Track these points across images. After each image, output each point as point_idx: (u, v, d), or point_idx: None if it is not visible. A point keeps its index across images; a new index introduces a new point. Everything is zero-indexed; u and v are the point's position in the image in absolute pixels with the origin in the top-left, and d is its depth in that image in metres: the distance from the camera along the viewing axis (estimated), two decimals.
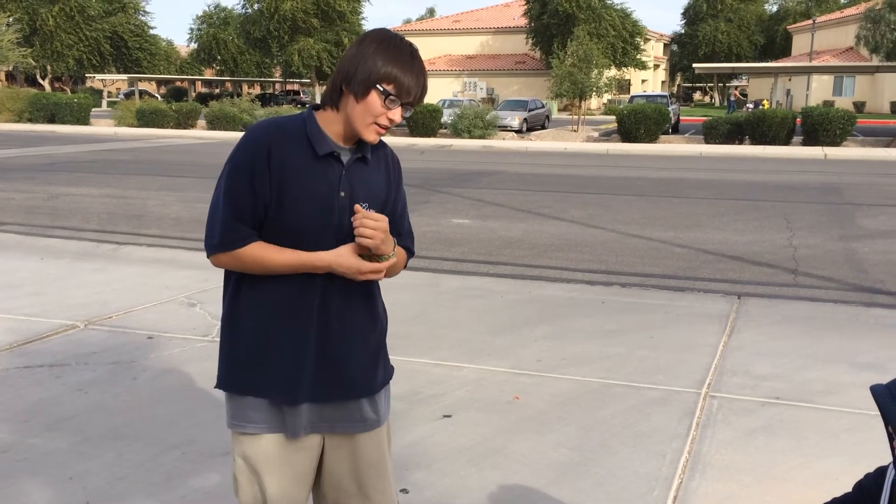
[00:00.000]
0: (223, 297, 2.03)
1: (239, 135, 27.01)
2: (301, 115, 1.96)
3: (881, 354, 4.98)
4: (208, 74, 68.65)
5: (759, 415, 4.08)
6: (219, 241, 1.91)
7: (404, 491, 3.30)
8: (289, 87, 65.56)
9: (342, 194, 1.92)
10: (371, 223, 1.88)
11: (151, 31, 63.36)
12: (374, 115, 1.86)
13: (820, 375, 4.63)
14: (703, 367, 4.78)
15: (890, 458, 1.94)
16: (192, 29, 61.73)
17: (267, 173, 1.86)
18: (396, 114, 1.88)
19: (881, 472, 2.07)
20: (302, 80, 57.78)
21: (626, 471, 3.48)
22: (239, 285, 1.97)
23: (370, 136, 1.90)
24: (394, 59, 1.84)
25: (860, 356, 4.97)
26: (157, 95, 60.46)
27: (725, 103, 39.96)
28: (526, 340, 5.31)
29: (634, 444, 3.74)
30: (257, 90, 66.40)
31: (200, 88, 68.46)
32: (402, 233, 2.14)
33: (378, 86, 1.83)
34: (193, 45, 62.96)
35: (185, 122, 31.86)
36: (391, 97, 1.85)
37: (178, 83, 64.43)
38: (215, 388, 2.05)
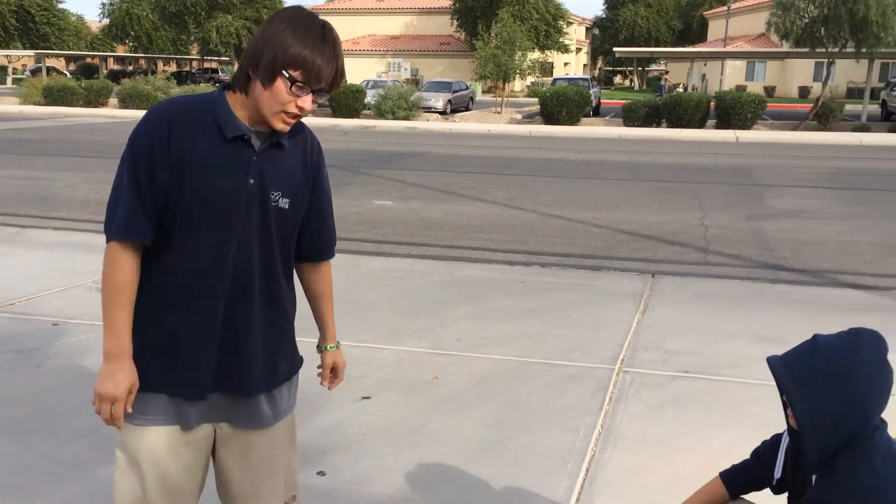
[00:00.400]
0: None
1: None
2: (211, 94, 1.82)
3: (783, 328, 5.21)
4: (121, 51, 66.02)
5: (668, 388, 4.22)
6: (118, 227, 1.76)
7: (321, 473, 3.28)
8: (206, 65, 63.67)
9: (251, 181, 1.80)
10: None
11: (60, 5, 60.52)
12: (281, 103, 1.73)
13: (726, 349, 4.82)
14: (617, 343, 4.91)
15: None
16: (103, 3, 59.19)
17: (167, 156, 1.72)
18: (306, 101, 1.74)
19: (777, 439, 2.17)
20: (220, 59, 56.26)
21: (542, 446, 3.54)
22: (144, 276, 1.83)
23: (278, 124, 1.77)
24: (303, 42, 1.69)
25: (764, 330, 5.19)
26: (65, 72, 57.76)
27: (653, 87, 40.77)
28: (446, 321, 5.33)
29: (550, 419, 3.82)
30: (173, 68, 64.26)
31: (112, 65, 65.79)
32: (322, 232, 2.04)
33: (284, 72, 1.70)
34: (105, 21, 60.39)
35: (96, 100, 30.60)
36: (298, 84, 1.71)
37: (89, 60, 61.74)
38: None
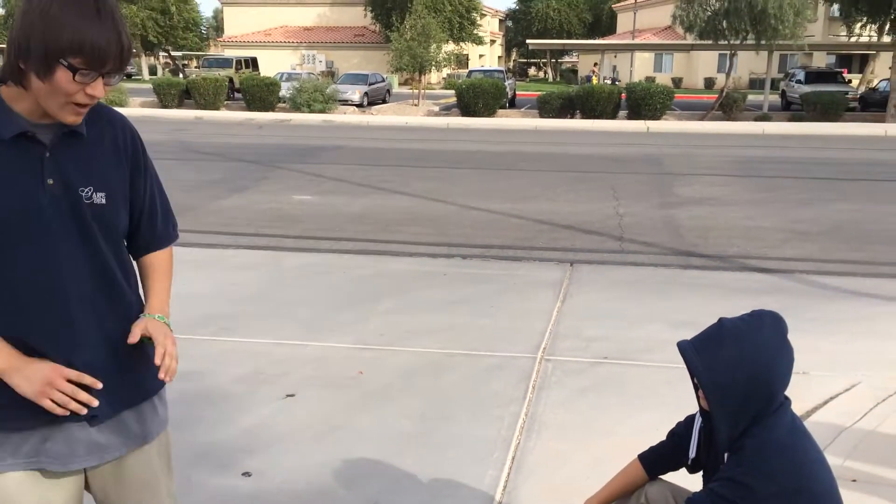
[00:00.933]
0: None
1: None
2: None
3: (696, 312, 5.42)
4: None
5: (588, 374, 4.34)
6: None
7: (246, 475, 3.24)
8: None
9: (50, 182, 1.57)
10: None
11: None
12: (66, 94, 1.49)
13: (642, 334, 4.99)
14: (538, 332, 5.01)
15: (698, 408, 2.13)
16: None
17: None
18: (97, 88, 1.51)
19: (690, 420, 2.27)
20: None
21: (468, 436, 3.59)
22: None
23: (69, 117, 1.55)
24: (75, 22, 1.44)
25: (677, 314, 5.39)
26: None
27: (567, 79, 41.23)
28: (370, 315, 5.33)
29: (475, 410, 3.87)
30: None
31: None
32: (156, 219, 1.83)
33: (62, 60, 1.45)
34: (1, 11, 57.34)
35: None
36: (82, 72, 1.47)
37: None
38: None
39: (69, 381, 1.59)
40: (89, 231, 1.63)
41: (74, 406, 1.59)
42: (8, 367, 1.57)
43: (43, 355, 1.61)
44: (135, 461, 1.81)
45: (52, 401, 1.57)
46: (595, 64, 37.14)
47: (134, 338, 1.69)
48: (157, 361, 1.68)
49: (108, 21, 1.47)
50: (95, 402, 1.62)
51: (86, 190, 1.62)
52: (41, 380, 1.57)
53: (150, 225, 1.83)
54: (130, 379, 1.76)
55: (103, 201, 1.65)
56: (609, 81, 30.83)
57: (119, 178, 1.70)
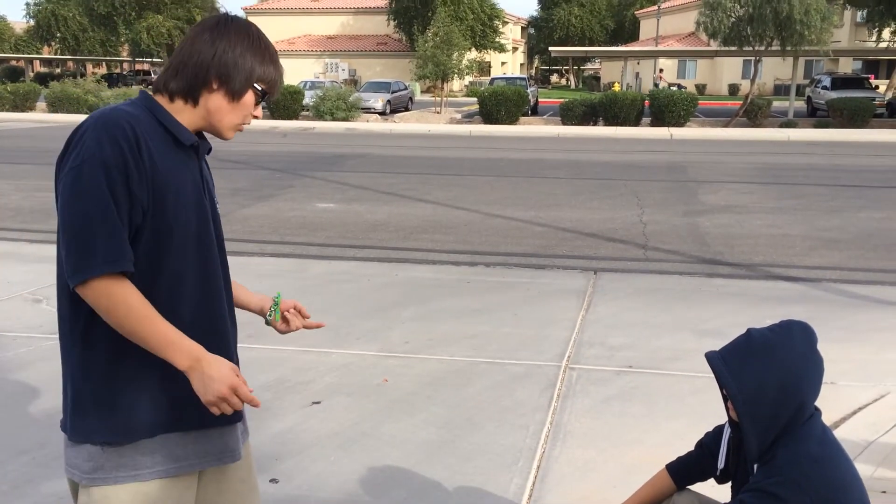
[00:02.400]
0: (67, 334, 1.66)
1: (85, 117, 25.10)
2: (137, 101, 1.70)
3: (722, 321, 5.39)
4: (46, 53, 63.93)
5: (614, 383, 4.32)
6: (105, 257, 1.53)
7: (274, 481, 3.27)
8: (138, 66, 62.13)
9: (206, 191, 1.78)
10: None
11: None
12: (245, 115, 1.75)
13: (668, 343, 4.96)
14: (563, 340, 5.00)
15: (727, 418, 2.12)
16: (28, 4, 57.18)
17: (143, 170, 1.58)
18: (259, 111, 1.79)
19: (719, 430, 2.26)
20: (153, 60, 54.93)
21: (493, 444, 3.60)
22: (94, 317, 1.61)
23: (231, 135, 1.77)
24: (264, 56, 1.73)
25: (703, 324, 5.35)
26: None
27: (588, 86, 40.95)
28: (393, 323, 5.35)
29: (500, 418, 3.87)
30: (103, 70, 62.55)
31: (39, 68, 63.72)
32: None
33: (257, 85, 1.73)
34: (31, 22, 58.35)
35: (23, 104, 29.55)
36: (265, 96, 1.76)
37: (14, 62, 59.64)
38: (88, 443, 1.65)
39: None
40: (220, 238, 1.83)
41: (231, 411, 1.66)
42: (196, 358, 1.60)
43: (218, 332, 1.76)
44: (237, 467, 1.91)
45: (232, 405, 1.62)
46: (661, 70, 36.77)
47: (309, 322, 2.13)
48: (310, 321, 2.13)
49: (278, 63, 1.79)
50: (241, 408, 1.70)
51: (215, 199, 1.85)
52: (229, 384, 1.61)
53: None
54: None
55: (219, 211, 1.87)
56: (675, 88, 30.55)
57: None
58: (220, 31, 1.71)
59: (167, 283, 1.66)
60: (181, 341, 1.60)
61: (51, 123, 25.03)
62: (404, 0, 47.05)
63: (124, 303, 1.55)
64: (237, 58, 1.70)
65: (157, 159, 1.62)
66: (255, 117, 1.79)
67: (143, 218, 1.60)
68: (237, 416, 1.80)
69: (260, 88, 1.74)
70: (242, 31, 1.73)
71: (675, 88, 28.58)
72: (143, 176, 1.58)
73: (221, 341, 1.76)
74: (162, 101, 1.71)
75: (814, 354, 1.89)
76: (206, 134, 1.81)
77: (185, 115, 1.72)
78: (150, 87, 1.78)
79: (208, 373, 1.60)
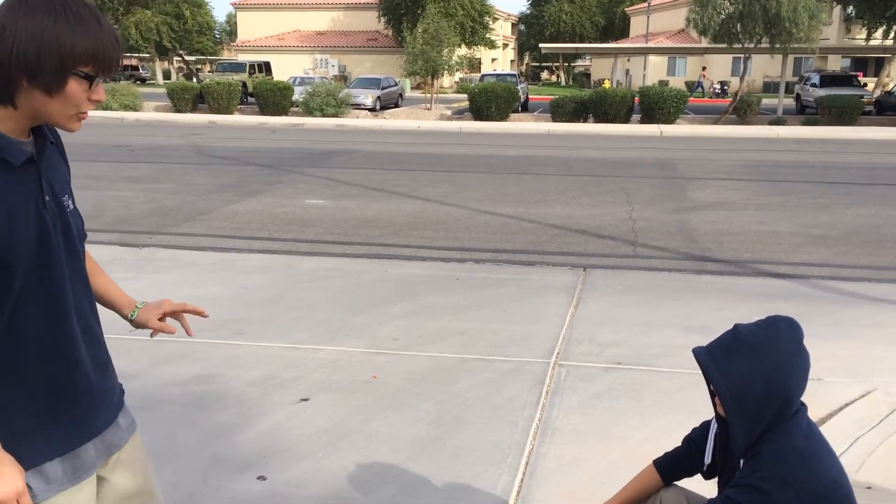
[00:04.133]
0: None
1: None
2: None
3: (710, 317, 5.41)
4: None
5: (602, 379, 4.33)
6: None
7: (261, 478, 3.26)
8: (125, 62, 61.78)
9: (47, 198, 1.55)
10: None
11: None
12: (77, 104, 1.49)
13: (656, 340, 4.97)
14: (552, 337, 5.01)
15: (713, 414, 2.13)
16: None
17: None
18: (100, 92, 1.52)
19: (706, 425, 2.27)
20: (140, 55, 54.67)
21: (482, 441, 3.60)
22: None
23: (75, 126, 1.54)
24: (83, 33, 1.44)
25: (692, 320, 5.37)
26: None
27: (578, 83, 40.84)
28: (383, 319, 5.34)
29: (489, 415, 3.88)
30: None
31: None
32: (84, 232, 1.77)
33: (77, 71, 1.45)
34: None
35: None
36: (95, 80, 1.48)
37: None
38: None
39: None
40: (72, 241, 1.63)
41: None
42: None
43: (66, 358, 1.62)
44: (131, 447, 1.86)
45: None
46: (704, 68, 36.64)
47: (171, 328, 1.86)
48: (196, 310, 1.90)
49: (107, 28, 1.49)
50: None
51: (65, 199, 1.61)
52: (14, 489, 1.49)
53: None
54: (113, 382, 1.82)
55: (73, 207, 1.65)
56: (717, 89, 30.43)
57: (69, 180, 1.70)
58: (15, 13, 1.42)
59: (8, 309, 1.51)
60: None
61: None
62: None
63: None
64: (40, 40, 1.41)
65: None
66: (97, 101, 1.53)
67: None
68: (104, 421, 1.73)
69: (84, 74, 1.46)
70: (46, 7, 1.43)
71: (716, 90, 28.61)
72: None
73: (72, 368, 1.62)
74: None
75: (800, 350, 1.89)
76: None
77: (9, 122, 1.50)
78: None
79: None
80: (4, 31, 1.42)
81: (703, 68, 36.57)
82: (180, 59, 52.02)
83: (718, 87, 30.17)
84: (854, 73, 32.67)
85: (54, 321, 1.58)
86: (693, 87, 39.00)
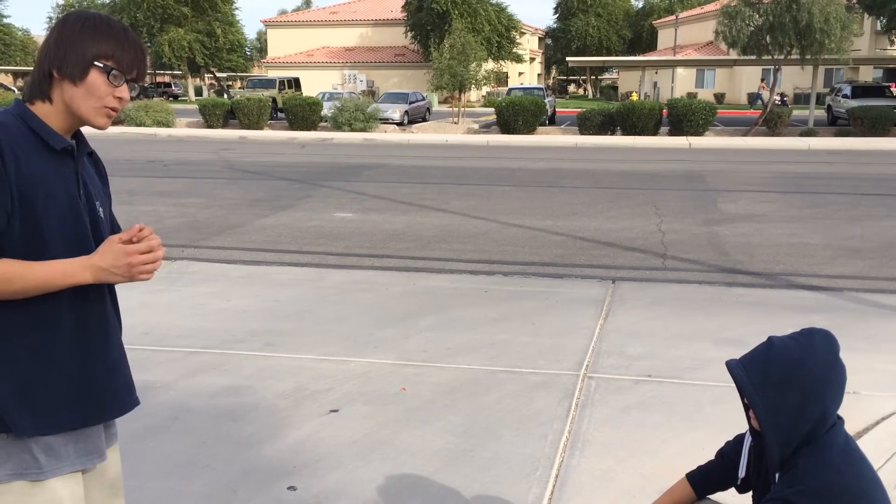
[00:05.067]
0: None
1: (107, 129, 25.46)
2: (8, 110, 1.71)
3: (742, 330, 5.34)
4: None
5: (632, 392, 4.29)
6: None
7: (292, 489, 3.27)
8: (159, 79, 62.85)
9: (81, 192, 1.75)
10: (145, 255, 1.71)
11: (5, 20, 59.31)
12: (99, 96, 1.69)
13: (687, 353, 4.92)
14: (581, 349, 4.98)
15: (748, 427, 2.10)
16: (50, 18, 58.23)
17: (3, 176, 1.60)
18: (124, 91, 1.72)
19: (739, 439, 2.24)
20: (173, 72, 55.56)
21: (511, 453, 3.58)
22: None
23: (100, 120, 1.72)
24: (106, 35, 1.69)
25: (723, 333, 5.31)
26: (13, 88, 56.55)
27: (754, 97, 40.20)
28: (411, 332, 5.35)
29: (518, 427, 3.86)
30: None
31: None
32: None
33: (97, 62, 1.68)
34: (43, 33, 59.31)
35: None
36: (114, 72, 1.69)
37: None
38: None
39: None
40: (99, 241, 1.78)
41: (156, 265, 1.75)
42: (93, 262, 1.68)
43: (88, 346, 1.77)
44: (112, 458, 1.94)
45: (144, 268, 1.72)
46: (762, 80, 36.52)
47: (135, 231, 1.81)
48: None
49: (132, 38, 1.73)
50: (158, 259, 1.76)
51: (97, 202, 1.81)
52: (125, 253, 1.69)
53: None
54: (118, 385, 1.87)
55: (103, 217, 1.84)
56: (778, 101, 30.32)
57: (107, 197, 1.90)
58: (59, 24, 1.72)
59: None
60: (68, 265, 1.66)
61: None
62: (421, 14, 47.30)
63: (4, 275, 1.60)
64: (68, 40, 1.68)
65: (24, 165, 1.63)
66: (121, 99, 1.72)
67: (7, 221, 1.62)
68: (117, 411, 1.83)
69: (102, 65, 1.68)
70: (79, 17, 1.71)
71: (778, 101, 28.30)
72: (5, 182, 1.60)
73: (96, 346, 1.78)
74: (32, 107, 1.72)
75: (836, 363, 1.86)
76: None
77: (52, 117, 1.72)
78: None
79: (106, 263, 1.68)
80: (46, 38, 1.72)
81: (762, 80, 36.28)
82: (212, 75, 52.84)
83: (779, 98, 29.99)
84: (886, 84, 32.19)
85: (86, 297, 1.75)
86: (753, 99, 38.67)
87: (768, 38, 22.88)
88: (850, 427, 3.27)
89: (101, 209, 1.82)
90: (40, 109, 1.71)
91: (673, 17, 49.95)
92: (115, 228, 1.95)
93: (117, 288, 1.95)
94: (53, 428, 1.70)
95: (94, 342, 1.77)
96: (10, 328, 1.66)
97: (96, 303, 1.79)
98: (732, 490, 2.21)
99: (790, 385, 1.82)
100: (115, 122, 27.27)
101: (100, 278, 1.69)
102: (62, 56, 1.67)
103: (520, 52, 52.67)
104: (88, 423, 1.76)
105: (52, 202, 1.67)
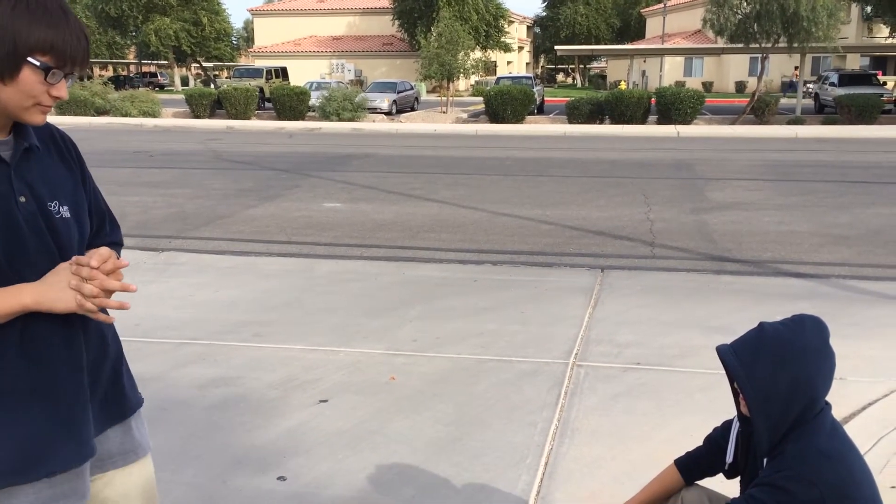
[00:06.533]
0: None
1: (92, 120, 25.40)
2: None
3: (730, 318, 5.37)
4: None
5: (621, 380, 4.31)
6: None
7: (281, 479, 3.27)
8: (145, 68, 62.37)
9: (22, 199, 1.50)
10: (89, 272, 1.47)
11: None
12: (32, 96, 1.46)
13: (676, 340, 4.94)
14: (570, 338, 4.99)
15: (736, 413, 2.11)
16: None
17: None
18: (62, 89, 1.49)
19: (727, 425, 2.25)
20: (159, 62, 55.14)
21: (501, 442, 3.59)
22: None
23: (35, 117, 1.50)
24: (43, 21, 1.41)
25: (711, 320, 5.34)
26: None
27: (788, 84, 39.95)
28: (401, 321, 5.35)
29: (508, 416, 3.87)
30: (110, 72, 62.78)
31: None
32: (107, 228, 1.77)
33: (31, 59, 1.42)
34: None
35: None
36: (53, 71, 1.44)
37: None
38: None
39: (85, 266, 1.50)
40: (63, 248, 1.57)
41: (108, 303, 1.50)
42: (34, 287, 1.48)
43: (52, 366, 1.56)
44: (140, 469, 1.81)
45: (85, 299, 1.48)
46: (796, 67, 36.49)
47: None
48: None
49: (74, 22, 1.46)
50: (134, 288, 1.55)
51: (52, 205, 1.56)
52: (66, 276, 1.48)
53: (100, 234, 1.77)
54: (115, 394, 1.75)
55: (69, 215, 1.59)
56: (810, 91, 30.42)
57: (75, 189, 1.64)
58: None
59: None
60: (6, 296, 1.46)
61: (59, 126, 25.10)
62: (408, 1, 47.08)
63: None
64: None
65: None
66: (57, 97, 1.49)
67: None
68: (83, 454, 1.62)
69: (38, 63, 1.43)
70: None
71: (808, 90, 28.41)
72: None
73: (52, 353, 1.56)
74: None
75: (826, 349, 1.87)
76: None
77: None
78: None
79: (49, 287, 1.48)
80: None
81: (796, 67, 36.30)
82: (198, 65, 52.48)
83: (811, 91, 30.21)
84: (873, 72, 32.34)
85: (32, 324, 1.53)
86: (786, 87, 38.72)
87: (756, 27, 22.91)
88: (837, 413, 3.30)
89: (62, 209, 1.57)
90: None
91: (661, 5, 49.94)
92: (104, 223, 1.74)
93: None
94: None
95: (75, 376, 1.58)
96: None
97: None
98: (721, 476, 2.22)
99: (781, 371, 1.83)
100: (101, 113, 27.06)
101: (40, 303, 1.48)
102: None
103: (508, 40, 52.54)
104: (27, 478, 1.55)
105: None
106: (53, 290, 1.48)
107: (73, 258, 1.51)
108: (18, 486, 1.53)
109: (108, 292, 1.51)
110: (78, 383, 1.60)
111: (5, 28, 1.39)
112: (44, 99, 1.48)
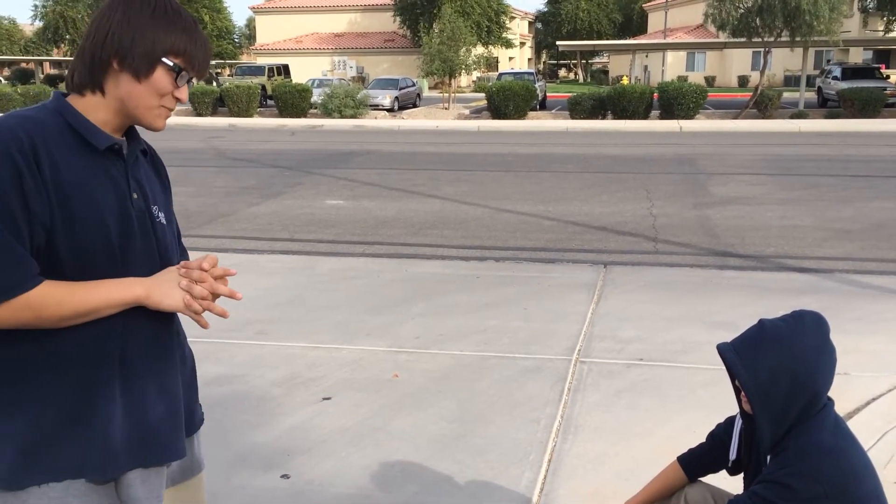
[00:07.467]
0: None
1: None
2: (46, 105, 1.51)
3: (733, 313, 5.36)
4: (57, 55, 64.25)
5: (624, 376, 4.31)
6: (8, 280, 1.38)
7: (285, 476, 3.28)
8: None
9: (135, 196, 1.55)
10: (199, 275, 1.53)
11: None
12: (160, 95, 1.51)
13: (679, 336, 4.94)
14: (573, 334, 4.99)
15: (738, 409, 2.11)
16: (35, 6, 57.58)
17: (40, 184, 1.40)
18: (184, 92, 1.55)
19: (730, 421, 2.25)
20: None
21: (504, 438, 3.59)
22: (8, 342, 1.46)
23: (158, 122, 1.55)
24: (178, 27, 1.50)
25: (714, 316, 5.33)
26: (0, 79, 56.10)
27: (597, 79, 40.34)
28: (403, 318, 5.35)
29: (511, 412, 3.87)
30: None
31: (49, 70, 64.03)
32: (179, 261, 1.74)
33: (165, 59, 1.49)
34: (38, 24, 58.68)
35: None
36: (183, 73, 1.52)
37: (24, 65, 59.96)
38: None
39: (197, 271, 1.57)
40: (163, 252, 1.61)
41: (214, 307, 1.57)
42: (146, 282, 1.52)
43: (134, 368, 1.57)
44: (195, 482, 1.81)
45: (194, 300, 1.54)
46: (828, 61, 36.50)
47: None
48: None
49: (201, 33, 1.56)
50: (240, 296, 1.63)
51: (155, 209, 1.60)
52: (176, 279, 1.55)
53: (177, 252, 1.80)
54: (189, 407, 1.78)
55: (164, 222, 1.63)
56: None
57: (167, 203, 1.70)
58: (122, 4, 1.50)
59: None
60: (120, 286, 1.49)
61: None
62: None
63: (51, 299, 1.42)
64: (135, 29, 1.47)
65: (63, 169, 1.44)
66: (179, 100, 1.55)
67: (47, 236, 1.43)
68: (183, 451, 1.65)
69: (171, 63, 1.50)
70: (148, 1, 1.50)
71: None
72: (42, 189, 1.41)
73: (146, 349, 1.58)
74: (74, 100, 1.52)
75: (826, 344, 1.87)
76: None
77: (99, 112, 1.52)
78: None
79: (160, 284, 1.53)
80: (103, 17, 1.50)
81: (828, 61, 36.29)
82: None
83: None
84: (876, 66, 32.21)
85: (117, 320, 1.55)
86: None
87: (758, 21, 22.84)
88: (840, 408, 3.29)
89: (160, 215, 1.60)
90: (86, 103, 1.51)
91: (663, 0, 49.82)
92: (170, 234, 1.73)
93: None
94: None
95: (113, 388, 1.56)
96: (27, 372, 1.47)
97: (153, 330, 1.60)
98: (724, 472, 2.22)
99: (781, 367, 1.83)
100: None
101: (150, 298, 1.52)
102: (127, 45, 1.46)
103: (510, 36, 52.44)
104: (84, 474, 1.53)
105: (94, 210, 1.46)
106: (164, 287, 1.54)
107: (182, 262, 1.58)
108: (145, 470, 1.58)
109: (215, 296, 1.58)
110: (176, 379, 1.66)
111: (145, 29, 1.48)
112: (167, 101, 1.54)
